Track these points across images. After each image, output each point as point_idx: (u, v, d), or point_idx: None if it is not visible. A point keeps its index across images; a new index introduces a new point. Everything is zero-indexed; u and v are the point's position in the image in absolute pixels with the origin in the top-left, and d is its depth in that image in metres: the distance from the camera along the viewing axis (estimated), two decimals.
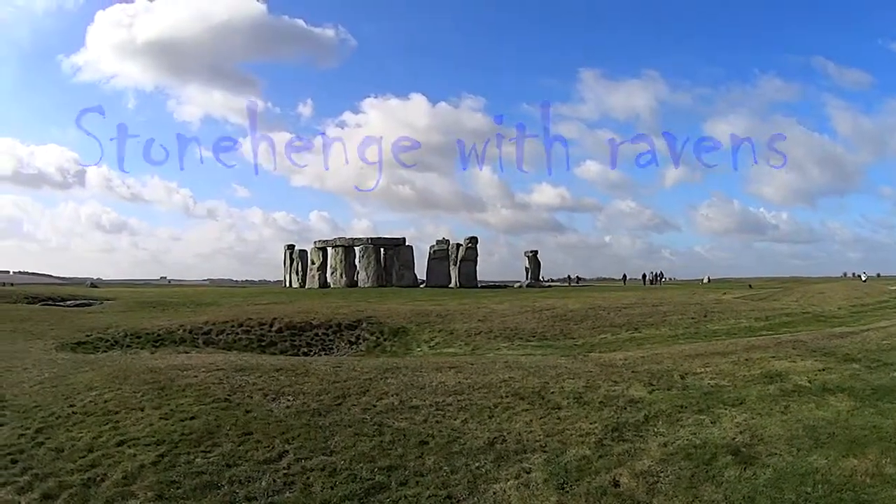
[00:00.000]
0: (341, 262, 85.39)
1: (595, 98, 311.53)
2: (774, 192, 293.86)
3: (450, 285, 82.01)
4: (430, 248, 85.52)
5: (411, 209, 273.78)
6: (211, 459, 11.13)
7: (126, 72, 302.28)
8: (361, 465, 10.83)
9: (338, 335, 34.09)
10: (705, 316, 34.17)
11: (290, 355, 28.24)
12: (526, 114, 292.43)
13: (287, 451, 11.39)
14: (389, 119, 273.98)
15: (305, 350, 31.70)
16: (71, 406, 14.49)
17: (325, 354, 30.48)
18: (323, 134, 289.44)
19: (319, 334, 33.97)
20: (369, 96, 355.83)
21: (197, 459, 11.14)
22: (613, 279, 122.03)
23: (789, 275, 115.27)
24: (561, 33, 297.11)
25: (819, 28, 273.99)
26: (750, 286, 63.70)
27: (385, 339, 33.64)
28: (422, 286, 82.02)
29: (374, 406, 13.95)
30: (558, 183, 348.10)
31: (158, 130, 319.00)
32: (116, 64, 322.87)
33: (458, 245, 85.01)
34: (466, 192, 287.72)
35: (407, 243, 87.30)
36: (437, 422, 12.90)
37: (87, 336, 30.85)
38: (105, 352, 27.81)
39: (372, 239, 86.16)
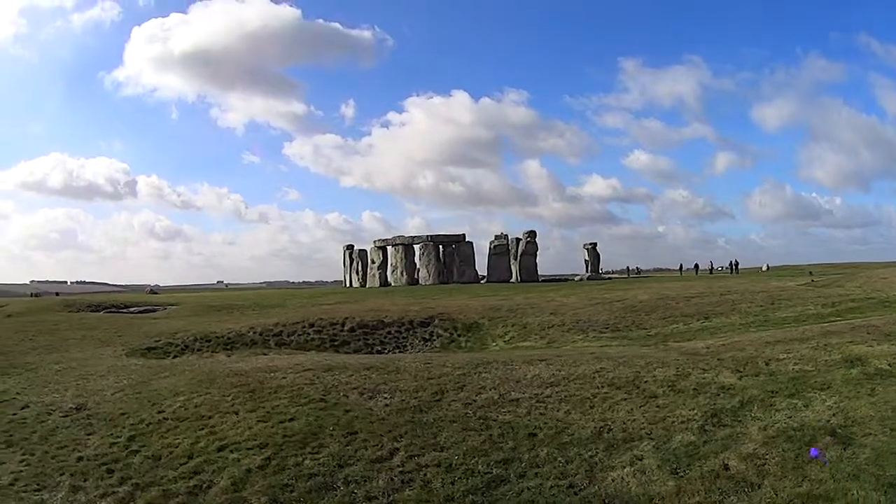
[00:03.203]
0: (402, 260, 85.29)
1: (638, 87, 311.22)
2: (826, 177, 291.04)
3: (511, 280, 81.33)
4: (490, 243, 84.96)
5: (462, 206, 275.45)
6: (320, 460, 11.03)
7: (167, 84, 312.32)
8: (475, 459, 10.84)
9: (410, 332, 33.62)
10: (773, 303, 33.23)
11: (364, 354, 28.01)
12: (569, 106, 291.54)
13: (398, 449, 11.39)
14: (433, 117, 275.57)
15: (379, 348, 31.25)
16: (160, 412, 14.28)
17: (400, 352, 30.15)
18: (369, 134, 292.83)
19: (392, 332, 33.53)
20: (412, 95, 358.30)
21: (306, 461, 11.02)
22: (670, 269, 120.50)
23: (846, 261, 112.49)
24: (597, 23, 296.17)
25: (861, 3, 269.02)
26: (810, 273, 61.80)
27: (459, 335, 33.13)
28: (482, 282, 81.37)
29: (475, 401, 13.84)
30: (609, 174, 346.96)
31: (203, 138, 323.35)
32: (156, 77, 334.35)
33: (518, 239, 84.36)
34: (517, 186, 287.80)
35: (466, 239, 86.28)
36: (540, 414, 12.80)
37: (157, 341, 30.66)
38: (176, 357, 27.66)
39: (431, 236, 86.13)
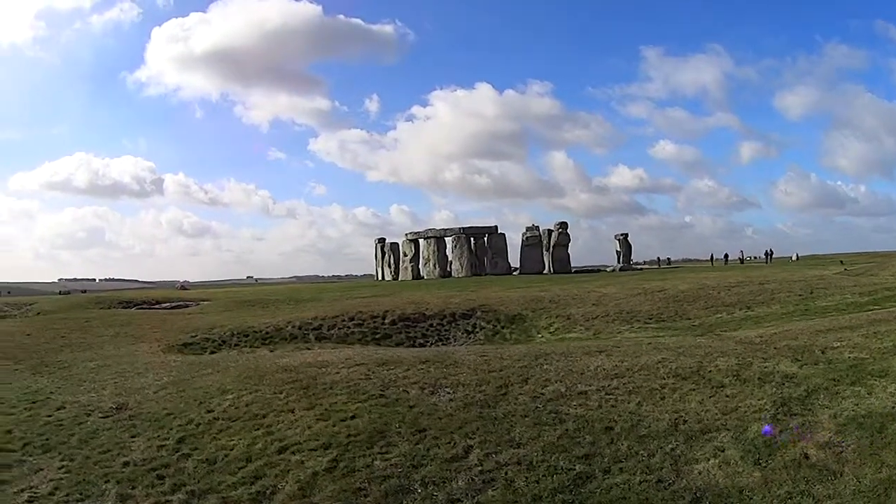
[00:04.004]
0: (434, 252, 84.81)
1: (661, 76, 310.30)
2: (850, 164, 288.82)
3: (543, 271, 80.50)
4: (523, 235, 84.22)
5: (489, 198, 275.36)
6: (392, 461, 10.57)
7: (189, 83, 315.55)
8: (555, 455, 10.41)
9: (453, 325, 32.91)
10: (811, 292, 32.94)
11: (407, 347, 27.69)
12: (592, 96, 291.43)
13: (472, 447, 10.90)
14: (458, 110, 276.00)
15: (421, 341, 30.61)
16: (209, 412, 13.69)
17: (443, 345, 29.88)
18: (394, 129, 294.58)
19: (434, 325, 32.84)
20: (435, 89, 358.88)
21: (376, 462, 10.53)
22: (698, 260, 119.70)
23: (871, 249, 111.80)
24: (618, 12, 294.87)
25: None
26: (841, 262, 60.78)
27: (503, 327, 32.41)
28: (514, 273, 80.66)
29: (542, 394, 13.33)
30: (634, 164, 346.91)
31: (229, 136, 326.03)
32: (177, 76, 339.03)
33: (550, 231, 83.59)
34: (543, 177, 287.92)
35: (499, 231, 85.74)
36: (612, 406, 12.39)
37: (193, 337, 30.31)
38: (213, 352, 27.26)
39: (463, 229, 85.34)
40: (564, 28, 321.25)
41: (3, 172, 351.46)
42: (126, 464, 11.14)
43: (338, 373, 15.66)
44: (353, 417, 12.23)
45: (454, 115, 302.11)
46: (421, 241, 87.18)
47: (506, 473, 9.86)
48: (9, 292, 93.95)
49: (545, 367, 15.23)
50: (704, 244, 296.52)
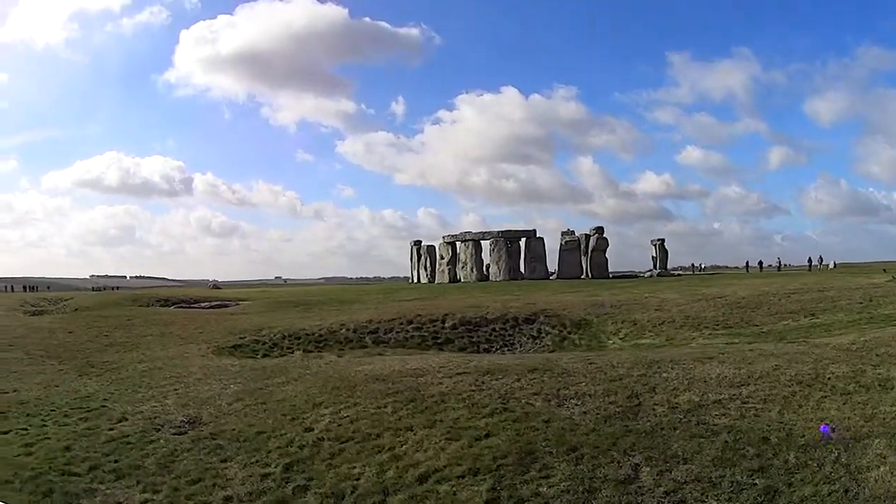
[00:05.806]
0: (471, 256, 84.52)
1: (688, 81, 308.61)
2: (883, 171, 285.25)
3: (581, 276, 79.08)
4: (560, 239, 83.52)
5: (517, 202, 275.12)
6: (560, 486, 9.38)
7: (217, 84, 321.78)
8: (728, 469, 9.63)
9: (516, 329, 31.50)
10: (871, 300, 31.46)
11: (470, 352, 26.34)
12: (619, 102, 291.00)
13: (639, 465, 9.92)
14: (484, 114, 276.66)
15: (486, 346, 29.35)
16: (309, 430, 12.18)
17: (509, 350, 28.82)
18: (421, 132, 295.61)
19: (497, 329, 31.47)
20: (461, 92, 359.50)
21: (542, 489, 9.33)
22: (727, 267, 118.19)
23: None
24: (643, 17, 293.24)
25: None
26: (885, 270, 59.03)
27: (570, 333, 30.97)
28: (552, 278, 79.47)
29: (677, 404, 12.49)
30: (661, 170, 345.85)
31: (256, 137, 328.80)
32: (205, 77, 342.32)
33: (587, 236, 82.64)
34: (570, 182, 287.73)
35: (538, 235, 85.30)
36: (754, 416, 11.64)
37: (242, 339, 29.19)
38: (266, 355, 26.21)
39: (502, 232, 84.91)
40: (590, 33, 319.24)
41: (37, 171, 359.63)
42: (229, 499, 9.50)
43: (441, 383, 14.30)
44: (487, 436, 10.85)
45: (480, 119, 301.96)
46: (458, 243, 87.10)
47: (691, 493, 9.02)
48: (48, 287, 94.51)
49: (664, 374, 14.33)
50: (733, 251, 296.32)
